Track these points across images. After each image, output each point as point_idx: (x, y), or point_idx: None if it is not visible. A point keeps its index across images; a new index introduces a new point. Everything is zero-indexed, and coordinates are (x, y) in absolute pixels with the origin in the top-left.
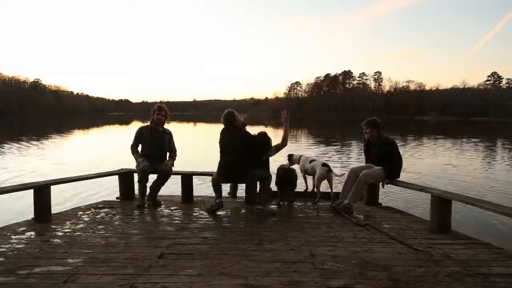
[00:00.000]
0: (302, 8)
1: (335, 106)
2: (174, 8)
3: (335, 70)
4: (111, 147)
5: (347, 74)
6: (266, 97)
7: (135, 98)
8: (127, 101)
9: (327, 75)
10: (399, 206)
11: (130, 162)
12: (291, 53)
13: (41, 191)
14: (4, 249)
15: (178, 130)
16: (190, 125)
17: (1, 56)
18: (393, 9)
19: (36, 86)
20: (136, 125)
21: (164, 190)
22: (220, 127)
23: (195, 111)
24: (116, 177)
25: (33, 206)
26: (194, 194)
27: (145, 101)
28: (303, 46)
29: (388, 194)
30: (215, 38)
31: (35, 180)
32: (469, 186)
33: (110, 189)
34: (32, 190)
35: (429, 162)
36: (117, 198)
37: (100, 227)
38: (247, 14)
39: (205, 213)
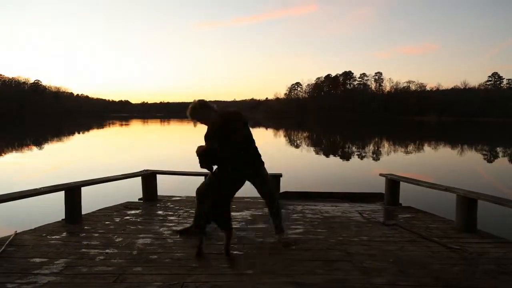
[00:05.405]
0: (302, 2)
1: (336, 106)
2: (173, 8)
3: (335, 70)
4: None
5: (347, 75)
6: (266, 98)
7: (135, 99)
8: (127, 102)
9: (328, 76)
10: (418, 205)
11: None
12: (291, 52)
13: (72, 192)
14: (44, 250)
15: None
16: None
17: (1, 57)
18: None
19: (37, 87)
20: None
21: (185, 191)
22: None
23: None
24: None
25: (53, 206)
26: None
27: (145, 102)
28: (303, 46)
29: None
30: (214, 38)
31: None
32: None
33: (121, 191)
34: (63, 192)
35: (432, 161)
36: (139, 199)
37: (132, 227)
38: (245, 12)
39: (232, 214)
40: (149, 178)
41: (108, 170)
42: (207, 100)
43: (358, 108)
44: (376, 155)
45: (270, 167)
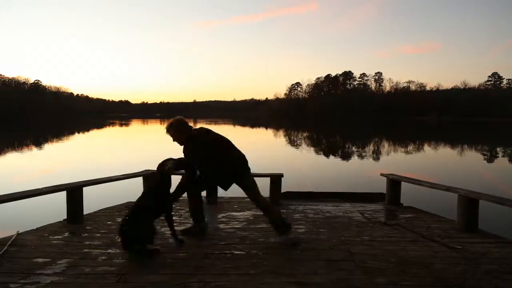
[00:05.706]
0: (302, 1)
1: (336, 106)
2: (173, 8)
3: (335, 70)
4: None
5: (347, 75)
6: (266, 98)
7: (135, 99)
8: (127, 102)
9: (328, 76)
10: (419, 205)
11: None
12: (291, 52)
13: (74, 192)
14: (47, 250)
15: None
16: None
17: (1, 57)
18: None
19: (37, 87)
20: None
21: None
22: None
23: (196, 112)
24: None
25: (55, 207)
26: (218, 195)
27: (145, 102)
28: (303, 45)
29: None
30: (214, 37)
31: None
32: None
33: (122, 192)
34: (64, 192)
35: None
36: None
37: None
38: (245, 11)
39: (233, 214)
40: (150, 178)
41: (109, 170)
42: (208, 100)
43: (358, 108)
44: (377, 155)
45: (272, 167)
